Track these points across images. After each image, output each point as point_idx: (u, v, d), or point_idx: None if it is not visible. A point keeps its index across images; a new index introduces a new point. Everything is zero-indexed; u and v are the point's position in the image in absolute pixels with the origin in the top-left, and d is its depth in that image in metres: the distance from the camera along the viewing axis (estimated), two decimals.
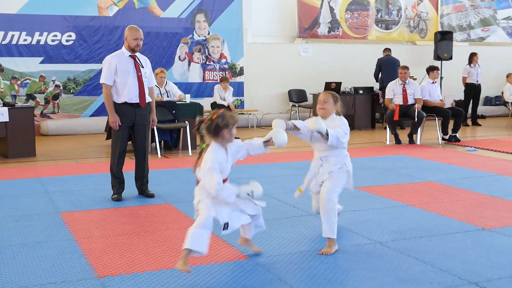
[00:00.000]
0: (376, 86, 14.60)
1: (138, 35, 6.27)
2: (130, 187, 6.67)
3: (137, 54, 6.37)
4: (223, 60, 14.83)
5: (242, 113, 14.65)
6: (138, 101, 6.30)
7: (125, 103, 6.27)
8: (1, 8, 12.73)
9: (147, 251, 4.49)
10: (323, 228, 4.51)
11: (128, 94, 6.24)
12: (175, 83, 11.65)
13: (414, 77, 13.59)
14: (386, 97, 11.27)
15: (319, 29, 15.90)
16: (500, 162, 8.78)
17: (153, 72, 10.72)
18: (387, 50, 14.72)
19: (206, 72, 14.70)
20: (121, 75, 6.22)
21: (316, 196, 4.88)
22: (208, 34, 14.66)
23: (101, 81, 6.28)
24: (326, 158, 4.83)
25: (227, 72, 14.83)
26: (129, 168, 6.68)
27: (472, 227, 5.08)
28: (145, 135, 6.53)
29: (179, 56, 14.40)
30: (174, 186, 7.05)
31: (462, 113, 11.41)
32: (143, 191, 6.55)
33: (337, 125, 4.80)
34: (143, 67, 6.35)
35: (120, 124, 6.29)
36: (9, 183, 7.29)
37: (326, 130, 4.58)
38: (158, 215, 5.63)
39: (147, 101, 6.40)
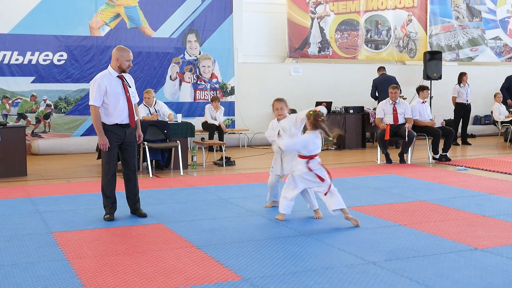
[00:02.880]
0: (367, 105, 14.68)
1: (130, 56, 6.29)
2: (122, 206, 6.66)
3: (124, 74, 6.36)
4: (214, 80, 14.88)
5: (233, 133, 14.68)
6: (128, 122, 6.32)
7: (116, 124, 6.26)
8: None
9: (140, 271, 4.47)
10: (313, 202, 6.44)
11: (119, 115, 6.25)
12: (166, 103, 11.70)
13: (404, 97, 13.68)
14: (376, 116, 11.33)
15: (309, 49, 16.01)
16: (491, 181, 8.83)
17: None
18: (381, 69, 14.79)
19: (197, 91, 14.75)
20: (111, 97, 6.19)
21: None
22: (199, 54, 14.73)
23: (90, 103, 6.21)
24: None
25: (218, 92, 14.88)
26: (120, 187, 6.66)
27: (465, 247, 5.10)
28: (135, 153, 6.53)
29: (170, 76, 14.45)
30: (166, 206, 7.04)
31: (452, 132, 11.48)
32: (136, 210, 6.53)
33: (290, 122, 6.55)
34: (130, 87, 6.37)
35: (109, 145, 6.26)
36: (0, 203, 7.24)
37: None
38: (151, 235, 5.61)
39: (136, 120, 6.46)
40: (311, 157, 6.04)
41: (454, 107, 14.93)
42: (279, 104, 6.70)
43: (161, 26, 14.29)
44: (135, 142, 6.51)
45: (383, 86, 13.85)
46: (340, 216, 6.35)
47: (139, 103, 9.86)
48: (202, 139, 11.98)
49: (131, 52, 6.35)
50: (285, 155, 6.63)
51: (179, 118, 10.75)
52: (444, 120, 11.74)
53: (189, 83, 14.68)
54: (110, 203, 6.39)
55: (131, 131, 6.41)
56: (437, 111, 13.98)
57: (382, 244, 5.23)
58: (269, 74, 15.55)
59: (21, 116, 13.18)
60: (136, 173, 6.57)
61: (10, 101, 13.06)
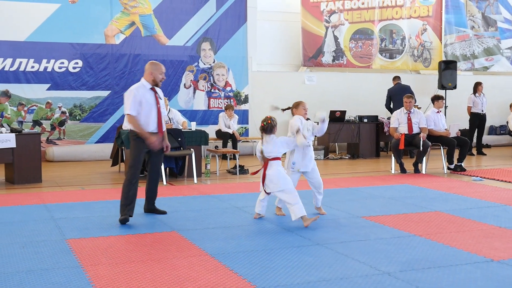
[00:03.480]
0: (382, 114, 14.64)
1: (163, 69, 6.74)
2: (136, 214, 6.67)
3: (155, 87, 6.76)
4: (228, 88, 14.91)
5: (247, 141, 14.69)
6: (157, 131, 6.69)
7: (147, 132, 6.60)
8: (9, 36, 12.87)
9: (154, 279, 4.47)
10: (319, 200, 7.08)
11: (150, 125, 6.62)
12: (180, 111, 11.73)
13: (418, 106, 13.63)
14: (391, 126, 11.30)
15: (324, 57, 16.02)
16: (507, 192, 8.76)
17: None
18: (396, 78, 14.78)
19: (211, 99, 14.78)
20: (145, 107, 6.59)
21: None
22: (213, 62, 14.77)
23: (126, 112, 6.58)
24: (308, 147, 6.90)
25: (232, 100, 14.90)
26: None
27: (481, 258, 5.05)
28: (161, 158, 7.07)
29: (185, 84, 14.50)
30: (180, 214, 7.04)
31: (468, 142, 11.41)
32: (155, 209, 6.98)
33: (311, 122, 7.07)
34: (160, 99, 6.76)
35: (138, 152, 6.63)
36: (15, 209, 7.29)
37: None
38: (165, 243, 5.61)
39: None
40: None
41: (469, 117, 14.86)
42: (307, 105, 7.18)
43: (176, 34, 14.36)
44: (162, 150, 6.84)
45: (398, 96, 13.78)
46: (353, 225, 6.35)
47: None
48: (216, 147, 12.02)
49: (163, 66, 6.79)
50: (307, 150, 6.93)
51: (193, 126, 10.76)
52: (459, 130, 11.68)
53: (203, 91, 14.72)
54: (128, 205, 6.53)
55: (160, 139, 6.73)
56: (452, 121, 13.91)
57: (397, 254, 5.19)
58: (283, 82, 15.55)
59: (36, 123, 13.27)
60: (159, 177, 7.10)
61: (25, 108, 13.16)
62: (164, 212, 6.99)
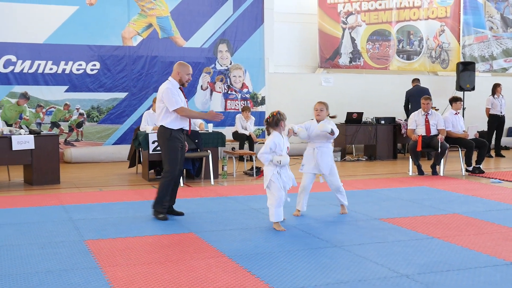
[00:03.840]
0: (399, 116, 14.57)
1: (190, 70, 6.95)
2: (153, 218, 6.68)
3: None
4: (245, 90, 14.92)
5: (263, 143, 14.65)
6: (188, 128, 7.00)
7: (181, 129, 6.88)
8: (28, 38, 12.98)
9: (172, 281, 4.48)
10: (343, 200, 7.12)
11: (183, 121, 6.86)
12: None
13: (436, 108, 13.55)
14: (408, 127, 11.24)
15: (341, 59, 15.97)
16: None
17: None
18: (415, 80, 14.74)
19: (228, 101, 14.80)
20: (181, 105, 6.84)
21: (311, 175, 7.08)
22: (230, 63, 14.78)
23: (172, 108, 6.72)
24: (320, 148, 6.96)
25: (248, 102, 14.91)
26: (152, 196, 6.70)
27: (501, 261, 5.01)
28: (183, 160, 7.09)
29: (201, 86, 14.53)
30: (197, 215, 7.05)
31: (486, 144, 11.33)
32: (173, 210, 7.04)
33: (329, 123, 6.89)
34: (185, 98, 6.96)
35: (176, 149, 6.82)
36: (34, 210, 7.34)
37: (331, 128, 6.72)
38: (182, 245, 5.62)
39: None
40: None
41: (487, 119, 14.74)
42: (319, 106, 7.02)
43: (193, 36, 14.39)
44: (184, 151, 7.07)
45: (416, 98, 13.72)
46: (371, 227, 6.33)
47: None
48: (233, 148, 12.02)
49: (191, 67, 7.01)
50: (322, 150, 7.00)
51: (210, 127, 10.78)
52: (478, 131, 11.59)
53: (220, 92, 14.75)
54: (166, 203, 6.82)
55: (186, 137, 7.10)
56: (470, 122, 13.80)
57: (415, 257, 5.16)
58: (300, 84, 15.54)
59: (54, 124, 13.37)
60: (180, 176, 7.14)
61: (44, 110, 13.25)
62: (181, 214, 7.03)
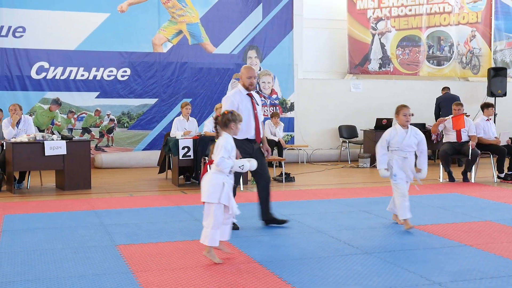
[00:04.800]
0: (429, 122, 14.45)
1: (251, 73, 6.63)
2: (184, 221, 6.71)
3: (252, 92, 6.73)
4: (274, 96, 14.94)
5: (292, 149, 14.67)
6: (254, 138, 6.64)
7: (246, 139, 6.55)
8: (60, 45, 13.16)
9: (203, 286, 4.50)
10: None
11: (249, 131, 6.55)
12: None
13: (467, 114, 13.41)
14: (433, 126, 11.37)
15: (370, 65, 15.91)
16: None
17: (215, 107, 11.03)
18: (445, 88, 14.65)
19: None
20: (242, 113, 6.36)
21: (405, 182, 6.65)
22: (260, 70, 14.81)
23: None
24: (411, 156, 6.61)
25: (277, 108, 14.92)
26: (182, 201, 6.73)
27: None
28: (265, 164, 6.81)
29: None
30: None
31: None
32: (274, 218, 6.80)
33: (416, 132, 6.63)
34: (257, 105, 6.71)
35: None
36: (66, 215, 7.43)
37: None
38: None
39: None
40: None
41: None
42: (408, 110, 6.67)
43: (222, 42, 14.46)
44: (263, 155, 6.77)
45: (447, 103, 13.61)
46: (402, 234, 6.29)
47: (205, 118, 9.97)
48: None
49: (253, 70, 6.73)
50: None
51: None
52: (510, 138, 11.45)
53: None
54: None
55: (258, 146, 6.73)
56: (502, 128, 13.61)
57: (447, 264, 5.12)
58: (329, 90, 15.51)
59: (85, 130, 13.53)
60: (269, 183, 6.81)
61: (75, 116, 13.42)
62: (285, 222, 6.77)
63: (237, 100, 6.54)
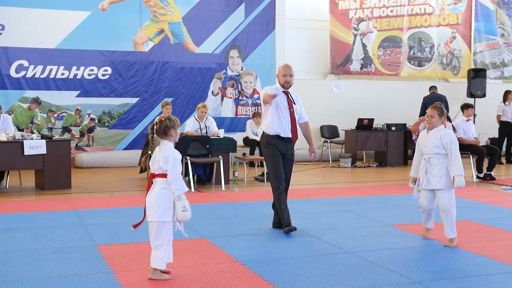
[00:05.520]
0: (410, 122, 14.54)
1: (286, 71, 6.52)
2: None
3: (290, 91, 6.60)
4: (256, 96, 14.94)
5: None
6: (290, 136, 6.48)
7: (278, 136, 6.43)
8: (40, 43, 13.04)
9: (185, 286, 4.49)
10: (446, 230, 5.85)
11: (280, 127, 6.42)
12: None
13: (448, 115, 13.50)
14: (413, 125, 11.36)
15: (352, 65, 15.97)
16: None
17: (197, 107, 10.92)
18: (433, 88, 14.74)
19: (239, 107, 14.81)
20: (275, 109, 6.41)
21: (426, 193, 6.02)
22: (241, 69, 14.81)
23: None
24: (429, 160, 5.92)
25: (259, 108, 14.91)
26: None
27: None
28: (291, 168, 6.64)
29: (212, 91, 14.55)
30: (209, 221, 7.06)
31: (497, 151, 11.30)
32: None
33: (443, 134, 5.91)
34: (294, 104, 6.55)
35: (274, 156, 6.42)
36: (46, 215, 7.37)
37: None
38: (194, 250, 5.64)
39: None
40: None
41: (498, 126, 14.68)
42: (431, 111, 6.09)
43: (204, 42, 14.42)
44: (293, 158, 6.60)
45: (432, 103, 13.69)
46: (383, 234, 6.31)
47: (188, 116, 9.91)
48: (244, 154, 12.03)
49: (289, 68, 6.57)
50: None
51: (221, 133, 10.80)
52: (489, 138, 11.56)
53: (231, 98, 14.77)
54: (286, 216, 6.39)
55: (292, 146, 6.58)
56: (481, 129, 13.74)
57: (427, 263, 5.16)
58: (311, 90, 15.52)
59: (65, 129, 13.42)
60: (288, 187, 6.62)
61: (55, 115, 13.31)
62: (293, 229, 6.37)
63: (273, 92, 6.39)
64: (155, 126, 4.81)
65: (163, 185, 4.66)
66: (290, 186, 6.72)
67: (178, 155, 4.72)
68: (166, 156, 4.65)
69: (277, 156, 6.43)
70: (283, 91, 6.50)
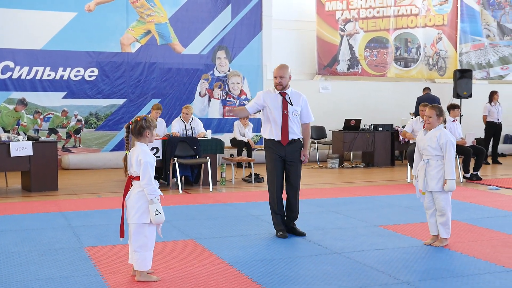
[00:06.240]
0: (396, 123, 14.61)
1: (276, 73, 6.38)
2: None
3: (290, 91, 6.41)
4: (243, 96, 14.94)
5: (262, 149, 14.66)
6: (279, 139, 6.28)
7: (274, 140, 6.31)
8: (26, 44, 12.96)
9: (173, 287, 4.48)
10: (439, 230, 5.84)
11: (273, 131, 6.30)
12: None
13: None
14: (404, 129, 11.32)
15: (339, 66, 16.01)
16: None
17: (182, 108, 10.88)
18: (426, 89, 14.84)
19: (226, 108, 14.81)
20: (268, 112, 6.31)
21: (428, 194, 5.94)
22: (229, 70, 14.80)
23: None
24: (428, 161, 5.86)
25: None
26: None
27: (500, 268, 5.02)
28: (297, 172, 6.39)
29: (200, 92, 14.54)
30: (197, 222, 7.05)
31: (483, 151, 11.37)
32: (294, 229, 6.39)
33: (439, 135, 5.83)
34: (291, 105, 6.32)
35: (272, 161, 6.32)
36: (33, 217, 7.32)
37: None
38: (182, 251, 5.62)
39: (291, 138, 6.31)
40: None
41: (484, 126, 14.78)
42: (429, 112, 5.96)
43: (191, 42, 14.40)
44: (298, 161, 6.37)
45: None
46: (370, 234, 6.32)
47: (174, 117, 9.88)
48: (231, 155, 12.02)
49: (278, 69, 6.39)
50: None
51: (209, 134, 10.79)
52: (475, 139, 11.63)
53: (218, 99, 14.76)
54: (280, 220, 6.34)
55: (293, 149, 6.33)
56: (467, 129, 13.82)
57: (415, 263, 5.18)
58: (298, 91, 15.53)
59: (52, 131, 13.35)
60: (297, 192, 6.42)
61: (41, 116, 13.23)
62: (303, 234, 6.32)
63: (262, 97, 6.34)
64: (130, 126, 4.72)
65: (140, 188, 4.63)
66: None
67: (151, 158, 4.64)
68: (139, 160, 4.59)
69: (275, 160, 6.31)
70: (279, 93, 6.33)
